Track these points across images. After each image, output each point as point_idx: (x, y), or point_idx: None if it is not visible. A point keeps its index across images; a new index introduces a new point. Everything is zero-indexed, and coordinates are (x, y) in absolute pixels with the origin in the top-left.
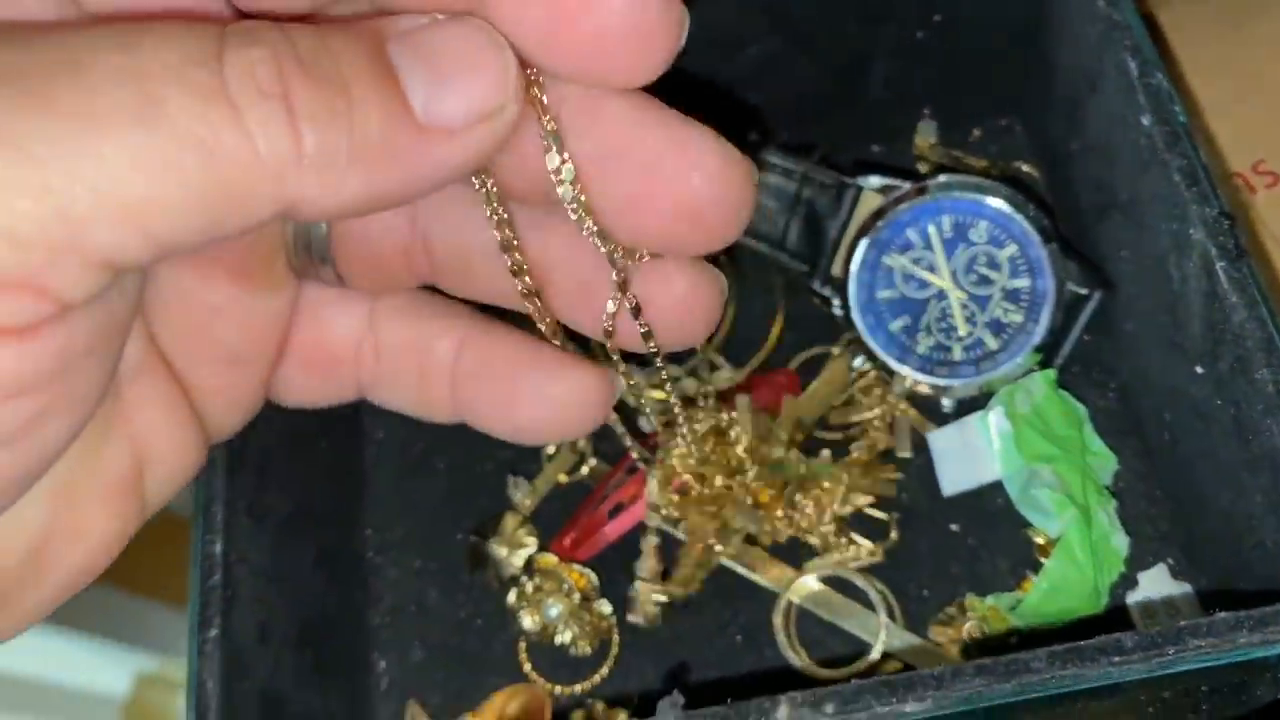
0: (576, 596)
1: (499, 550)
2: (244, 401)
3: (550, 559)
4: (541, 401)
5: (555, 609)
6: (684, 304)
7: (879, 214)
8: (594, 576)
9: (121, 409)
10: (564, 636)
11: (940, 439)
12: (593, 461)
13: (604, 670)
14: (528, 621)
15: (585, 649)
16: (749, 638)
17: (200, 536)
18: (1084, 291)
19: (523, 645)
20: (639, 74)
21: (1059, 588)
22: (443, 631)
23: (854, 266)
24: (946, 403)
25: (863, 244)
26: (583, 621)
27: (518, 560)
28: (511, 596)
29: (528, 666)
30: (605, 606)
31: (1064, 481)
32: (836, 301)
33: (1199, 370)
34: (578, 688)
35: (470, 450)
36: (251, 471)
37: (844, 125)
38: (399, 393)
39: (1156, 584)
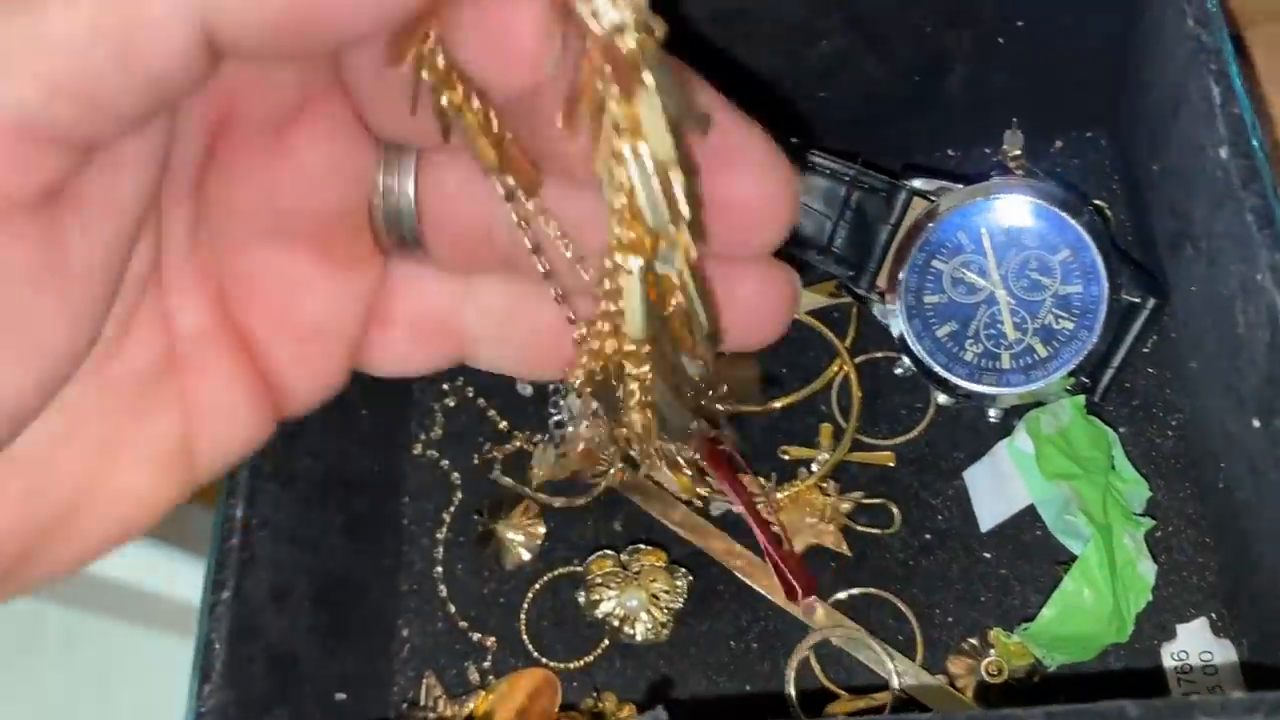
0: (654, 589)
1: (505, 534)
2: (324, 376)
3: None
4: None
5: (634, 600)
6: (751, 303)
7: (929, 216)
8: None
9: (178, 374)
10: (638, 630)
11: (975, 475)
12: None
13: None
14: (605, 607)
15: (650, 636)
16: (765, 646)
17: (224, 500)
18: (1137, 299)
19: (524, 626)
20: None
21: (1073, 608)
22: (467, 605)
23: (903, 270)
24: (993, 413)
25: (913, 247)
26: (656, 615)
27: (522, 548)
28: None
29: (537, 651)
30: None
31: (1084, 500)
32: (882, 307)
33: (1255, 424)
34: (579, 662)
35: (518, 427)
36: (281, 438)
37: (916, 130)
38: (505, 353)
39: (1196, 639)
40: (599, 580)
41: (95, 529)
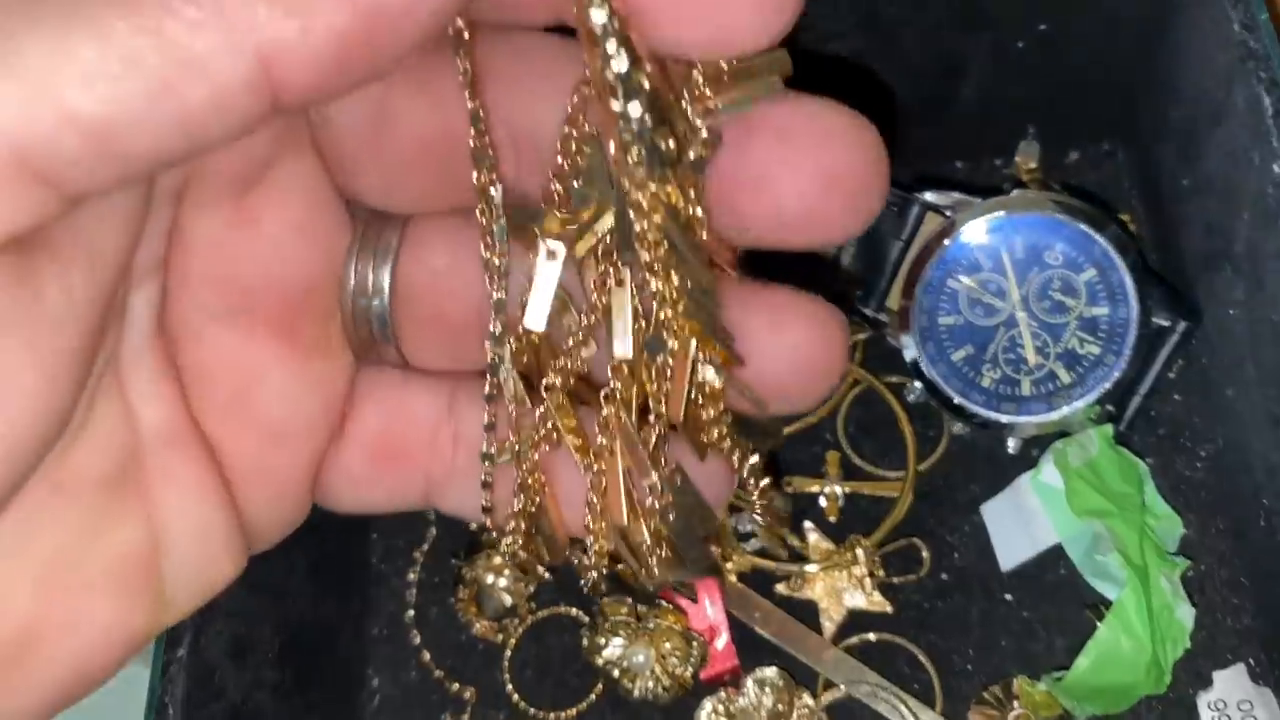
0: (665, 649)
1: (485, 578)
2: (288, 492)
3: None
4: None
5: (640, 656)
6: (799, 355)
7: (944, 232)
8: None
9: (140, 478)
10: (638, 685)
11: (995, 510)
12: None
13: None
14: (609, 653)
15: (648, 697)
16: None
17: None
18: (1167, 323)
19: (506, 673)
20: (760, 38)
21: (1110, 657)
22: (441, 651)
23: (916, 289)
24: (1012, 443)
25: (927, 265)
26: (660, 677)
27: (505, 593)
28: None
29: (516, 696)
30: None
31: (1119, 539)
32: (893, 329)
33: None
34: (569, 712)
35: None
36: None
37: (925, 138)
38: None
39: (1233, 686)
40: (608, 625)
41: (50, 668)
